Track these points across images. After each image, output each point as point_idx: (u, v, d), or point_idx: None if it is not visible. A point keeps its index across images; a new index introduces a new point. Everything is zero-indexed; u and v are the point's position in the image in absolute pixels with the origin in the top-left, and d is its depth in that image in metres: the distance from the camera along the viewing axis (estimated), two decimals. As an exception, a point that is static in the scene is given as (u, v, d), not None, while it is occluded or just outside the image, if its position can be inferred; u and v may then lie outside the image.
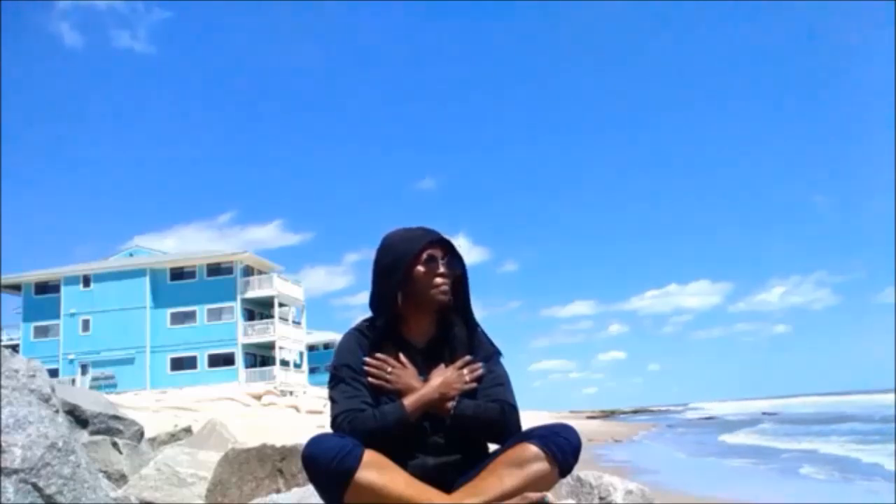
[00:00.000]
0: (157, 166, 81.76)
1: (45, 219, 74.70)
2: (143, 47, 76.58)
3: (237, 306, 38.11)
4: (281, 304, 39.58)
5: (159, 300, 38.37)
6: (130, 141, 77.30)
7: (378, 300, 2.00)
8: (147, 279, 38.31)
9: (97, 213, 77.90)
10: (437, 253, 1.96)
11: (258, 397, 30.23)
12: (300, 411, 27.09)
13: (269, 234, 75.00)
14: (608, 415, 69.48)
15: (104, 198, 75.51)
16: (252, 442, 3.72)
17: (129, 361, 37.41)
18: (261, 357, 39.21)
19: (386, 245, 2.00)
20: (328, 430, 1.87)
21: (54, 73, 77.68)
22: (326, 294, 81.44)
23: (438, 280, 1.94)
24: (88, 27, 74.29)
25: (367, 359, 1.92)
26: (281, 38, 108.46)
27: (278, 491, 3.15)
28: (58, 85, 78.05)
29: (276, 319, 38.67)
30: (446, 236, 1.99)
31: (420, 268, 1.95)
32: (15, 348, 29.53)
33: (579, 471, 2.47)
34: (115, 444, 4.02)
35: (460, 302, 2.02)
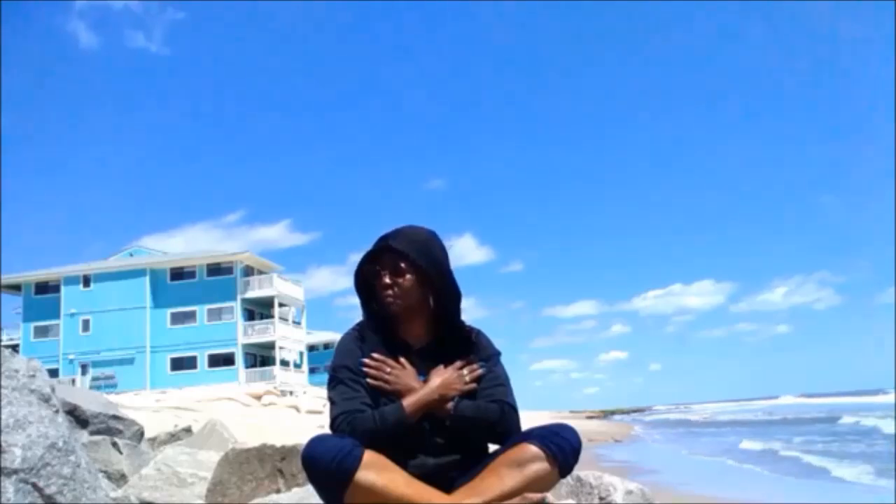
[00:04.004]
0: (166, 167, 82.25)
1: (50, 219, 74.96)
2: (157, 48, 77.11)
3: (237, 306, 38.10)
4: (281, 304, 39.57)
5: (159, 300, 38.36)
6: (139, 141, 77.65)
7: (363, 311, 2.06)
8: (147, 279, 38.31)
9: (105, 213, 78.22)
10: (378, 266, 1.97)
11: (258, 397, 30.20)
12: (300, 411, 27.07)
13: (276, 233, 75.45)
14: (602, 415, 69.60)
15: (112, 198, 75.89)
16: (252, 442, 3.71)
17: (129, 361, 37.41)
18: (261, 357, 39.20)
19: None
20: (328, 430, 1.87)
21: (68, 73, 78.09)
22: (332, 294, 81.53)
23: (381, 292, 1.96)
24: (104, 27, 74.73)
25: (366, 360, 1.92)
26: (291, 40, 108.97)
27: (278, 491, 3.14)
28: (70, 84, 78.47)
29: (276, 319, 38.66)
30: (393, 241, 1.95)
31: (370, 283, 2.00)
32: (15, 348, 29.53)
33: (579, 471, 2.47)
34: (115, 444, 4.02)
35: (439, 298, 1.99)
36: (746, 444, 18.72)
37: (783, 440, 19.63)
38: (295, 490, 2.97)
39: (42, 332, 38.59)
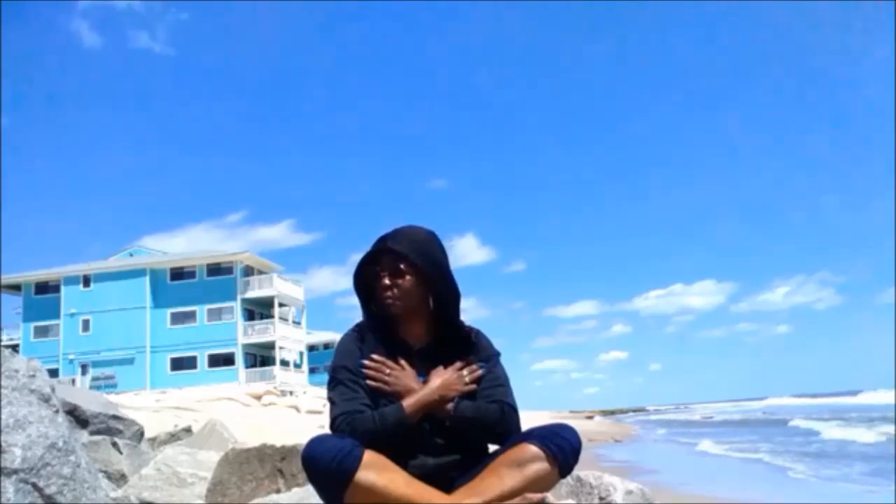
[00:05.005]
0: (168, 166, 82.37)
1: (51, 219, 74.86)
2: (161, 48, 77.30)
3: (237, 306, 38.09)
4: (281, 304, 39.57)
5: (159, 300, 38.36)
6: (141, 141, 77.77)
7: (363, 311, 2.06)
8: (147, 279, 38.31)
9: (105, 213, 78.22)
10: (378, 267, 1.97)
11: (258, 397, 30.18)
12: (300, 411, 27.05)
13: (278, 233, 75.75)
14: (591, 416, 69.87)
15: (114, 197, 75.92)
16: (252, 442, 3.71)
17: (129, 361, 37.40)
18: (261, 357, 39.20)
19: None
20: (328, 430, 1.87)
21: (70, 73, 78.28)
22: (333, 294, 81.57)
23: (381, 294, 1.96)
24: (107, 27, 74.90)
25: (366, 361, 1.92)
26: (293, 40, 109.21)
27: (278, 491, 3.14)
28: (73, 84, 78.57)
29: (276, 319, 38.66)
30: (392, 242, 1.95)
31: (370, 284, 2.00)
32: (15, 348, 29.53)
33: (579, 471, 2.46)
34: (115, 444, 4.02)
35: (438, 299, 1.99)
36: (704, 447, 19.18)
37: (740, 442, 20.17)
38: (295, 490, 2.97)
39: (42, 332, 38.58)
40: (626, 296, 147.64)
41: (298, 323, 42.39)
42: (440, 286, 1.98)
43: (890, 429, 19.31)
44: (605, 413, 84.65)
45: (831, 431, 21.08)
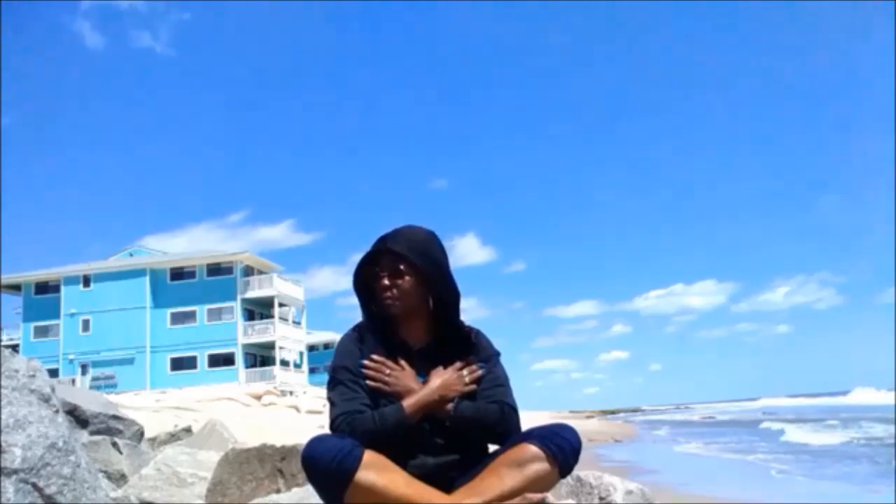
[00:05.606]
0: (169, 166, 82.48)
1: (52, 219, 74.91)
2: (162, 48, 77.50)
3: (237, 306, 38.09)
4: (281, 304, 39.56)
5: (159, 300, 38.35)
6: (143, 141, 77.89)
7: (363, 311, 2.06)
8: (147, 279, 38.30)
9: (106, 213, 78.29)
10: (377, 267, 1.97)
11: (258, 397, 30.17)
12: (300, 411, 27.05)
13: (279, 233, 75.99)
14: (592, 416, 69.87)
15: (115, 198, 75.96)
16: (252, 442, 3.71)
17: (129, 361, 37.40)
18: (261, 357, 39.19)
19: None
20: (328, 430, 1.87)
21: (72, 73, 78.46)
22: (334, 294, 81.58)
23: (380, 294, 1.96)
24: (109, 27, 75.09)
25: (366, 361, 1.92)
26: (294, 41, 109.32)
27: (278, 491, 3.14)
28: (75, 84, 78.70)
29: (276, 319, 38.66)
30: (392, 243, 1.95)
31: (370, 284, 2.00)
32: (15, 348, 29.53)
33: (579, 471, 2.46)
34: (115, 444, 4.01)
35: (438, 299, 1.98)
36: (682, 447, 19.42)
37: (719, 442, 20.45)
38: (295, 490, 2.97)
39: (42, 332, 38.57)
40: (627, 296, 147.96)
41: (298, 323, 42.38)
42: (440, 286, 1.98)
43: (859, 432, 19.76)
44: (604, 413, 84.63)
45: (795, 434, 21.38)
